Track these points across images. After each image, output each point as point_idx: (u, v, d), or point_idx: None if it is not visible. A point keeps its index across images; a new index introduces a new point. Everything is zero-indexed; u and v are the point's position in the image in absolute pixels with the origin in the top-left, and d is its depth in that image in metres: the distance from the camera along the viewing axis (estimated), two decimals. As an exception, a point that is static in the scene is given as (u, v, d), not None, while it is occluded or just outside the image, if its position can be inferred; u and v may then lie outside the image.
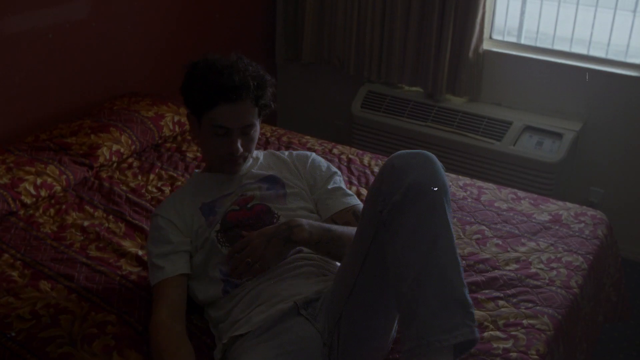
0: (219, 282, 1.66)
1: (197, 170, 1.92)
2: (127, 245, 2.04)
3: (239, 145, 1.68)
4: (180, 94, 1.74)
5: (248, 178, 1.80)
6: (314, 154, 1.92)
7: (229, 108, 1.64)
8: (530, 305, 1.79)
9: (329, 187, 1.82)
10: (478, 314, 1.75)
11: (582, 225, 2.18)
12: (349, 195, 1.81)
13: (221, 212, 1.73)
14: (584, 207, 2.32)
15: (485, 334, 1.68)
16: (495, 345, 1.64)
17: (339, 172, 1.89)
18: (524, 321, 1.73)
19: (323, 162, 1.90)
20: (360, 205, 1.77)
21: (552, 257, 2.00)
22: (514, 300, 1.81)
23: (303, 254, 1.68)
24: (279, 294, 1.58)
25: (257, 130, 1.76)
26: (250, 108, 1.68)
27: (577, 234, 2.14)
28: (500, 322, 1.72)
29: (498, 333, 1.68)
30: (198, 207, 1.75)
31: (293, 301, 1.54)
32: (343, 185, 1.85)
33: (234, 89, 1.62)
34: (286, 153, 1.93)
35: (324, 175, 1.85)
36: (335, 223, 1.71)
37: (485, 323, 1.72)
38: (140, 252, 2.00)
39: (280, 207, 1.73)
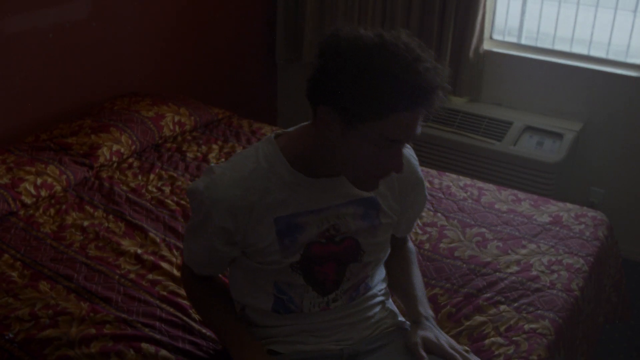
0: (270, 295, 1.41)
1: (272, 135, 1.37)
2: (126, 244, 2.04)
3: (402, 161, 1.26)
4: (318, 83, 1.24)
5: (345, 195, 1.37)
6: (422, 176, 1.51)
7: (408, 116, 1.18)
8: (531, 309, 1.79)
9: (417, 216, 1.60)
10: (479, 319, 1.75)
11: (583, 226, 2.18)
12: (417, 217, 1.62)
13: (303, 241, 1.35)
14: (585, 207, 2.32)
15: (487, 340, 1.68)
16: (496, 351, 1.64)
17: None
18: (525, 326, 1.72)
19: (426, 189, 1.55)
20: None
21: (553, 260, 2.00)
22: (515, 304, 1.81)
23: (373, 292, 1.52)
24: (334, 333, 1.45)
25: None
26: (421, 118, 1.22)
27: (577, 235, 2.13)
28: (502, 328, 1.72)
29: (499, 339, 1.68)
30: (272, 218, 1.33)
31: (340, 347, 1.44)
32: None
33: (430, 94, 1.17)
34: None
35: (420, 206, 1.56)
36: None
37: (487, 329, 1.72)
38: (139, 251, 2.00)
39: (369, 242, 1.43)
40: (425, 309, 1.49)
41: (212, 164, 1.39)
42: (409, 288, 1.54)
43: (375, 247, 1.44)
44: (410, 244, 1.67)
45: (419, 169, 1.50)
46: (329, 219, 1.36)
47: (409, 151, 1.46)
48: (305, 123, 1.36)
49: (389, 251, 1.51)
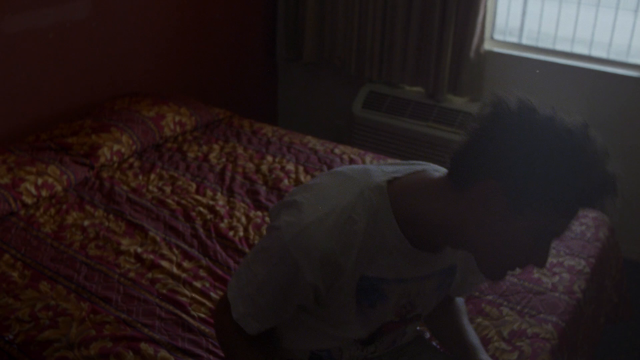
0: (307, 351, 1.31)
1: (384, 183, 1.13)
2: (126, 243, 2.04)
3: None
4: (485, 153, 1.03)
5: (433, 267, 1.22)
6: None
7: (578, 211, 1.08)
8: (534, 312, 1.79)
9: (476, 284, 1.42)
10: (482, 323, 1.75)
11: (584, 227, 2.17)
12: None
13: (380, 316, 1.23)
14: (585, 208, 2.30)
15: (490, 345, 1.67)
16: (500, 357, 1.63)
17: None
18: (529, 330, 1.72)
19: None
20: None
21: (554, 262, 1.99)
22: (518, 307, 1.81)
23: (408, 335, 1.43)
24: None
25: None
26: None
27: (578, 236, 2.13)
28: (505, 332, 1.72)
29: (503, 344, 1.68)
30: (357, 278, 1.14)
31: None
32: None
33: (612, 194, 1.10)
34: None
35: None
36: None
37: (490, 334, 1.71)
38: (139, 250, 2.00)
39: (428, 311, 1.34)
40: (487, 357, 1.35)
41: (300, 200, 1.13)
42: (466, 338, 1.37)
43: (426, 312, 1.34)
44: (459, 298, 1.48)
45: None
46: (410, 292, 1.22)
47: None
48: (424, 175, 1.15)
49: None
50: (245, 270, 1.21)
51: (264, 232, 2.04)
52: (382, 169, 1.17)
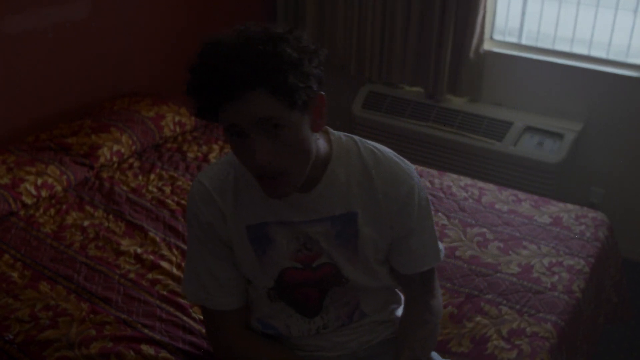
0: (258, 331, 1.42)
1: None
2: (126, 243, 2.04)
3: (261, 149, 1.10)
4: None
5: (318, 209, 1.27)
6: (414, 186, 1.31)
7: (232, 105, 1.08)
8: (533, 312, 1.79)
9: (412, 245, 1.35)
10: (482, 322, 1.75)
11: (583, 227, 2.18)
12: (428, 252, 1.38)
13: (274, 261, 1.30)
14: (585, 208, 2.31)
15: (489, 344, 1.68)
16: (499, 356, 1.64)
17: (431, 211, 1.39)
18: (528, 329, 1.72)
19: (415, 205, 1.32)
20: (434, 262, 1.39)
21: (554, 261, 2.00)
22: (517, 306, 1.81)
23: (373, 318, 1.43)
24: (329, 348, 1.41)
25: (296, 130, 1.12)
26: (265, 99, 1.07)
27: (578, 236, 2.13)
28: (504, 331, 1.72)
29: (502, 343, 1.68)
30: (244, 226, 1.29)
31: (338, 354, 1.41)
32: (428, 234, 1.38)
33: (230, 87, 1.06)
34: (372, 160, 1.28)
35: (413, 226, 1.33)
36: (398, 277, 1.40)
37: (489, 332, 1.72)
38: (139, 250, 2.00)
39: (350, 268, 1.32)
40: None
41: None
42: (401, 348, 1.35)
43: (359, 274, 1.33)
44: (436, 303, 1.41)
45: (413, 188, 1.30)
46: (298, 236, 1.28)
47: (404, 166, 1.31)
48: None
49: (383, 279, 1.38)
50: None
51: None
52: None
